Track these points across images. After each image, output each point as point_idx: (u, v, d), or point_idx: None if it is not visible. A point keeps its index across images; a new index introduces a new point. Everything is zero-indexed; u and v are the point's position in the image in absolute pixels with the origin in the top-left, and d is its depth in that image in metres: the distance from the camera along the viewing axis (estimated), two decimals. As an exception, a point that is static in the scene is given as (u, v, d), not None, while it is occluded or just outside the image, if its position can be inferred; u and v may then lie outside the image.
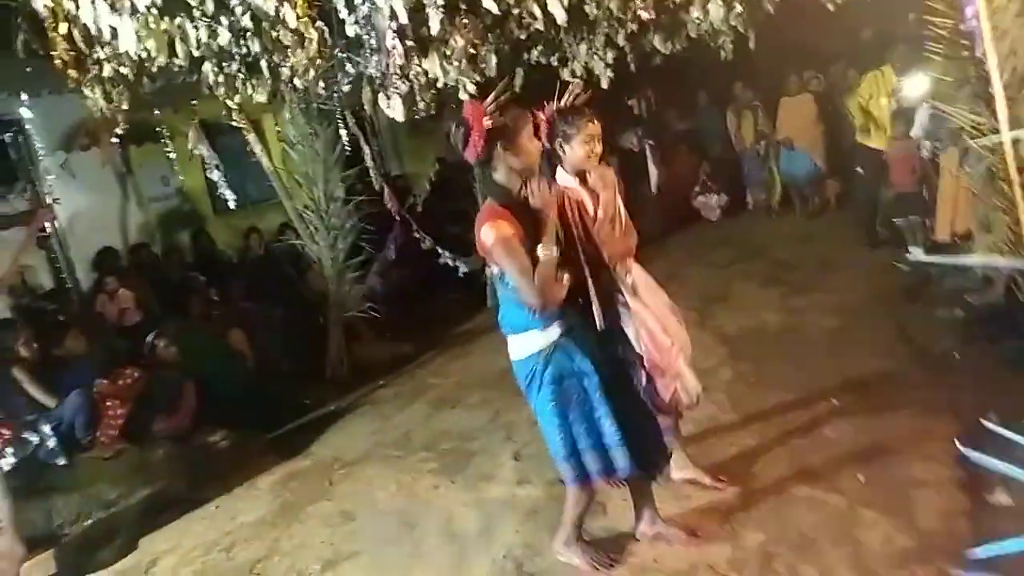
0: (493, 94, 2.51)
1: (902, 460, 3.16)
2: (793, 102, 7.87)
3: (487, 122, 2.44)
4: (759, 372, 4.40)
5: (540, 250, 2.45)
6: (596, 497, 2.96)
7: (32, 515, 3.82)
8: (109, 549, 3.73)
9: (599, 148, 2.88)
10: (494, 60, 4.38)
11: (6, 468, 3.82)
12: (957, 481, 2.91)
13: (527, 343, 2.60)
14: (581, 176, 2.90)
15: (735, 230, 8.27)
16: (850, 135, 6.83)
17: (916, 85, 5.49)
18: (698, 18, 4.21)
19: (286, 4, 3.18)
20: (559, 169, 2.94)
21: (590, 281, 2.72)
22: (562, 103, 2.85)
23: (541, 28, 3.90)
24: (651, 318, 2.95)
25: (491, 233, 2.45)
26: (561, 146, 2.87)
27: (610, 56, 4.80)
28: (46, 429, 4.22)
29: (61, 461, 4.24)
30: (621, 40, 4.62)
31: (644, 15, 3.97)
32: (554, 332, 2.58)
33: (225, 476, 4.30)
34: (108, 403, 4.44)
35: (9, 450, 4.08)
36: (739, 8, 4.06)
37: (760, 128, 8.24)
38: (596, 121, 2.85)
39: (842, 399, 3.82)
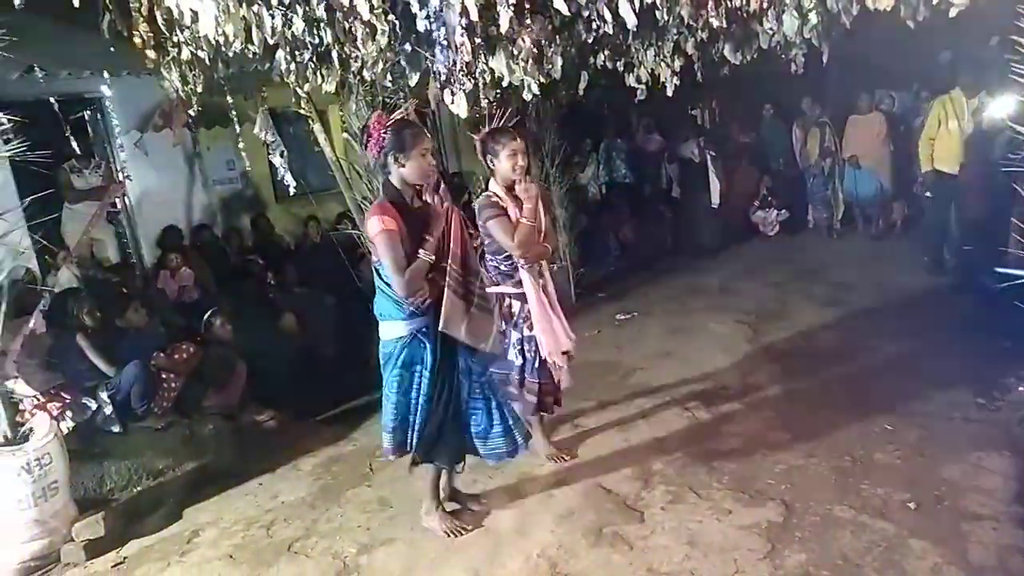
0: (399, 111, 3.03)
1: (957, 491, 3.06)
2: (862, 120, 7.69)
3: (384, 134, 2.88)
4: (810, 391, 4.32)
5: (421, 252, 2.88)
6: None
7: (85, 478, 3.94)
8: (155, 517, 3.82)
9: (523, 162, 3.41)
10: (560, 61, 4.38)
11: (65, 431, 3.95)
12: (1015, 517, 2.80)
13: (391, 329, 3.01)
14: (509, 186, 3.44)
15: (794, 248, 8.13)
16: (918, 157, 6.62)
17: (999, 108, 5.30)
18: (771, 29, 4.14)
19: (360, -5, 3.23)
20: (491, 180, 3.48)
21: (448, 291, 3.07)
22: (493, 124, 3.45)
23: (610, 32, 3.88)
24: (553, 316, 3.54)
25: (377, 225, 2.83)
26: (491, 160, 3.43)
27: (677, 64, 4.76)
28: (104, 396, 4.37)
29: (116, 428, 4.38)
30: (690, 48, 4.57)
31: (715, 23, 3.92)
32: (414, 325, 2.97)
33: (269, 455, 4.37)
34: (163, 376, 4.57)
35: (69, 414, 4.23)
36: (814, 20, 3.97)
37: (827, 145, 8.07)
38: (520, 139, 3.42)
39: (895, 424, 3.72)
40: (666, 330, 5.82)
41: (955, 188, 5.93)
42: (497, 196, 3.46)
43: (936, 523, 2.87)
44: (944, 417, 3.77)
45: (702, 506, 3.22)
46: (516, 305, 3.59)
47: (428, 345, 3.00)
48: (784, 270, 7.23)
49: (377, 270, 3.01)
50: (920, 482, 3.17)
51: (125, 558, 3.50)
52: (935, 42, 6.59)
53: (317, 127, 5.59)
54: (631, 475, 3.57)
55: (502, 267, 3.57)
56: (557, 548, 3.06)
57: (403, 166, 2.92)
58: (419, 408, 3.06)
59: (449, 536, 3.23)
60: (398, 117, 3.00)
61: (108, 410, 4.37)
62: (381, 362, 3.09)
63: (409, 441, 3.11)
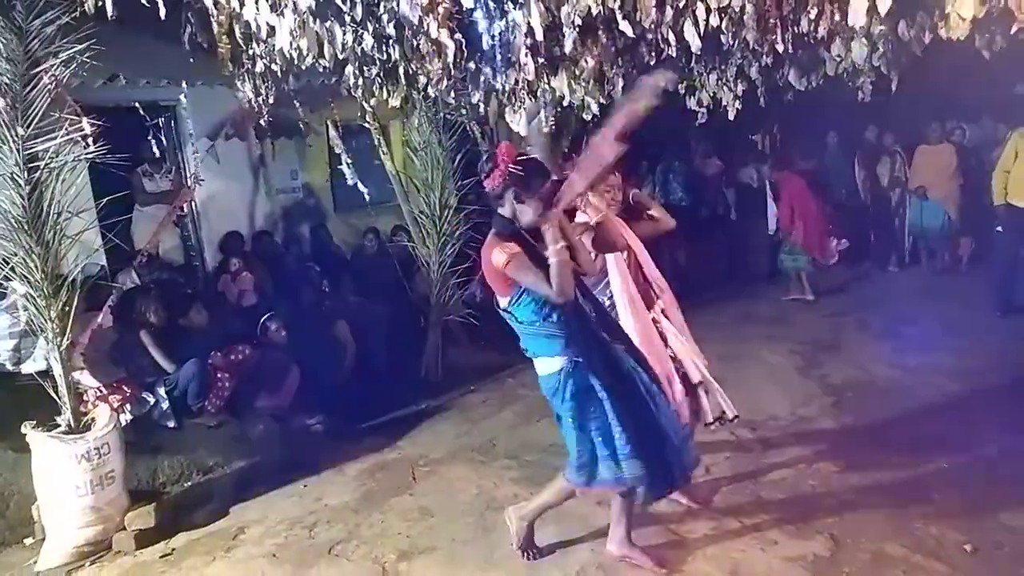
0: (532, 148, 2.71)
1: (1017, 537, 2.95)
2: (931, 151, 7.51)
3: (512, 167, 2.71)
4: (863, 425, 4.22)
5: (550, 253, 2.64)
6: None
7: (139, 470, 4.08)
8: (203, 511, 3.92)
9: (618, 196, 3.29)
10: (621, 83, 4.41)
11: (124, 423, 4.09)
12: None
13: (549, 363, 2.83)
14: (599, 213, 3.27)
15: (854, 278, 7.94)
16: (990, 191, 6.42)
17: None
18: (838, 56, 4.09)
19: (429, 14, 3.32)
20: (580, 207, 3.29)
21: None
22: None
23: (673, 54, 3.89)
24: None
25: (502, 255, 2.68)
26: None
27: (740, 88, 4.73)
28: (162, 392, 4.52)
29: (171, 424, 4.52)
30: (754, 73, 4.54)
31: (781, 48, 3.89)
32: (570, 353, 2.77)
33: (316, 458, 4.43)
34: (219, 375, 4.70)
35: (128, 407, 4.38)
36: (884, 48, 3.91)
37: (897, 175, 7.89)
38: (616, 173, 3.21)
39: (953, 463, 3.60)
40: (717, 357, 5.63)
41: (1025, 223, 5.73)
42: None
43: (994, 569, 2.77)
44: (1007, 459, 3.62)
45: (747, 535, 3.16)
46: None
47: (591, 369, 2.78)
48: (842, 301, 7.09)
49: (509, 311, 2.84)
50: (979, 525, 3.06)
51: (173, 550, 3.59)
52: (1011, 73, 6.40)
53: (380, 141, 5.74)
54: (675, 501, 3.50)
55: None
56: (596, 567, 3.04)
57: (522, 203, 2.76)
58: (611, 433, 2.79)
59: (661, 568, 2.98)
60: (528, 154, 2.89)
61: (165, 405, 4.51)
62: (548, 397, 2.90)
63: (605, 471, 2.83)
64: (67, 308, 3.59)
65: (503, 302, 2.84)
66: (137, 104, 5.31)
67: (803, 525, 3.19)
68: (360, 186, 5.29)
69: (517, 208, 2.78)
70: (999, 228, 6.27)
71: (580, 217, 3.30)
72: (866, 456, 3.78)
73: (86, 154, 3.64)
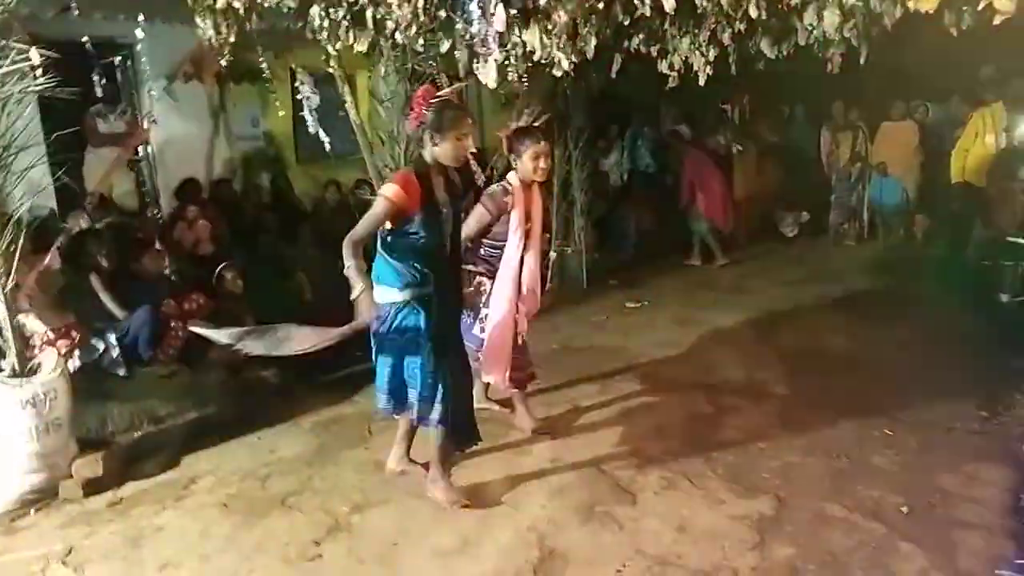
0: (448, 90, 3.04)
1: (950, 500, 3.07)
2: (894, 128, 7.63)
3: (426, 110, 2.90)
4: (812, 391, 4.31)
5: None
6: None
7: (88, 418, 3.97)
8: (153, 461, 3.85)
9: (545, 164, 3.58)
10: (594, 41, 4.34)
11: (72, 369, 3.98)
12: (1007, 530, 2.81)
13: (385, 294, 3.04)
14: (528, 184, 3.63)
15: (812, 250, 8.09)
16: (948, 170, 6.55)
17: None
18: (811, 24, 4.08)
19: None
20: (511, 173, 3.64)
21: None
22: (520, 123, 3.59)
23: (647, 14, 3.84)
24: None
25: (388, 189, 2.90)
26: (514, 159, 3.60)
27: (712, 53, 4.70)
28: (112, 339, 4.41)
29: (121, 372, 4.42)
30: (726, 39, 4.51)
31: (754, 14, 3.86)
32: (407, 294, 3.02)
33: (270, 411, 4.39)
34: (172, 324, 4.60)
35: (77, 352, 4.26)
36: (856, 19, 3.91)
37: (858, 150, 7.99)
38: (544, 142, 3.57)
39: (895, 430, 3.72)
40: (675, 321, 5.80)
41: (979, 202, 5.86)
42: (510, 186, 3.60)
43: (927, 529, 2.87)
44: (945, 427, 3.76)
45: (695, 494, 3.23)
46: (486, 284, 3.75)
47: (422, 313, 3.03)
48: (799, 271, 7.22)
49: (381, 236, 3.05)
50: (915, 488, 3.17)
51: (122, 499, 3.53)
52: (978, 55, 6.49)
53: (345, 89, 5.59)
54: (627, 459, 3.58)
55: (488, 252, 3.75)
56: (547, 523, 3.08)
57: (436, 145, 2.95)
58: (422, 375, 3.09)
59: (449, 508, 3.22)
60: (443, 96, 2.99)
61: (115, 353, 4.41)
62: (373, 325, 3.11)
63: (412, 403, 3.18)
64: (12, 248, 3.46)
65: (388, 224, 3.01)
66: (91, 40, 5.09)
67: (750, 485, 3.27)
68: (322, 134, 5.16)
69: (432, 150, 2.96)
70: (954, 205, 6.42)
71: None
72: (814, 421, 3.88)
73: (34, 87, 3.47)
